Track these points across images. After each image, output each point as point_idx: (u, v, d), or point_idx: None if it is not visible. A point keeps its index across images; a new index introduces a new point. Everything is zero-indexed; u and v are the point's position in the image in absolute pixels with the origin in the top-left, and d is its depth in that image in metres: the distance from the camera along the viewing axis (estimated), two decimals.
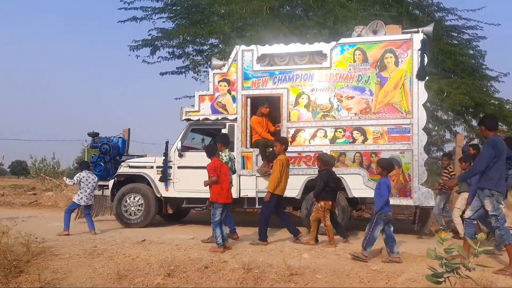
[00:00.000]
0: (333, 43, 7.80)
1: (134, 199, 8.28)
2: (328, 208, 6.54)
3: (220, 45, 14.24)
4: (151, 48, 13.44)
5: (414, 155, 7.29)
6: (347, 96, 7.66)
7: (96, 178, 7.85)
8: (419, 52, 7.40)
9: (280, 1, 12.13)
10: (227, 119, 8.09)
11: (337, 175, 7.13)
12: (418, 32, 7.61)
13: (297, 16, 13.23)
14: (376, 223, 5.51)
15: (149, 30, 13.97)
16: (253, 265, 5.20)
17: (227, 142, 6.99)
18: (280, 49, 8.01)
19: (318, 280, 4.89)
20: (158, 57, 13.80)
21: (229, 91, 8.12)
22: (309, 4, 12.10)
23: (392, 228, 5.68)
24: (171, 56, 14.30)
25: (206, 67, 14.55)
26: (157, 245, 6.41)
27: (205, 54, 14.59)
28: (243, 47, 8.18)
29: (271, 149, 7.56)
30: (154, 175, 8.30)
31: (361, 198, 7.89)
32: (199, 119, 8.23)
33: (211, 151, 6.57)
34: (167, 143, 8.17)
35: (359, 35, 7.99)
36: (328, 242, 6.37)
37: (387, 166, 5.80)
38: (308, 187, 7.48)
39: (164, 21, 14.50)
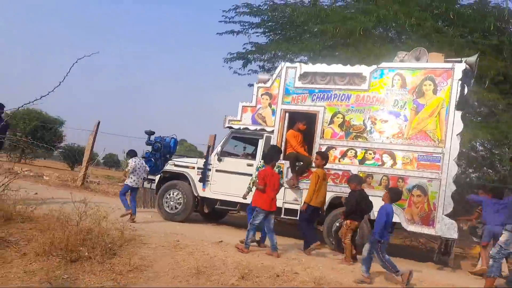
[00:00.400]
0: (374, 67, 8.02)
1: (175, 194, 8.97)
2: (353, 228, 6.61)
3: (309, 63, 14.93)
4: (243, 61, 14.06)
5: (442, 185, 7.24)
6: (381, 119, 7.80)
7: (145, 164, 8.73)
8: (459, 82, 7.39)
9: (375, 23, 11.95)
10: (265, 130, 8.53)
11: None
12: (461, 61, 7.64)
13: (389, 39, 13.14)
14: (381, 253, 5.54)
15: (244, 44, 14.63)
16: (323, 281, 5.23)
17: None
18: (322, 68, 8.34)
19: None
20: (249, 70, 14.47)
21: (270, 104, 8.55)
22: (404, 27, 11.84)
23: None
24: (261, 69, 14.81)
25: None
26: (232, 247, 6.58)
27: None
28: (287, 64, 8.65)
29: (301, 163, 8.00)
30: (194, 175, 8.95)
31: None
32: (240, 128, 8.76)
33: (267, 159, 6.88)
34: (209, 147, 9.08)
35: (401, 61, 8.09)
36: (343, 259, 6.44)
37: (393, 195, 5.92)
38: (332, 204, 7.62)
39: (258, 36, 15.04)
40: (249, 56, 14.27)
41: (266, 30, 14.76)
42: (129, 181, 8.41)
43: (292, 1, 14.20)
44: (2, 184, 6.64)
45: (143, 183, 8.92)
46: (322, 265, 6.07)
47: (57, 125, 23.34)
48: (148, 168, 8.74)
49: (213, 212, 9.66)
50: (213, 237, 7.20)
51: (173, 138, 10.20)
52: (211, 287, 5.13)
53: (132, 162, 8.45)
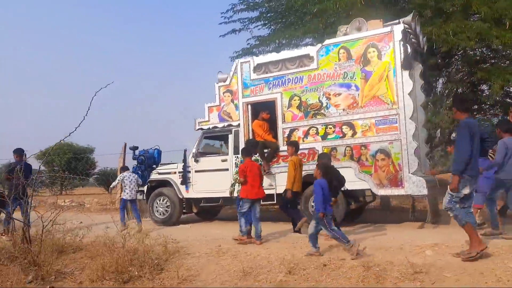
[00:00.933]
0: (319, 45, 8.40)
1: (163, 201, 9.71)
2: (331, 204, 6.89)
3: (315, 44, 15.16)
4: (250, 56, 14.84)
5: (403, 145, 7.48)
6: (335, 93, 8.13)
7: (137, 176, 9.22)
8: (401, 42, 7.62)
9: None
10: (232, 125, 9.06)
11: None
12: (398, 23, 7.87)
13: (393, 1, 12.78)
14: (328, 226, 5.71)
15: (248, 39, 15.14)
16: (373, 263, 5.18)
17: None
18: (273, 57, 8.79)
19: (447, 278, 4.66)
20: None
21: (232, 100, 9.08)
22: None
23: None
24: None
25: None
26: (274, 243, 6.77)
27: None
28: (241, 59, 9.32)
29: (269, 149, 8.48)
30: (177, 179, 9.59)
31: (354, 190, 8.00)
32: (209, 127, 9.34)
33: (244, 152, 7.30)
34: (185, 151, 9.41)
35: (345, 34, 8.36)
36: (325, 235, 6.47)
37: (323, 170, 6.07)
38: (304, 182, 7.60)
39: (260, 29, 15.26)
40: (254, 50, 14.43)
41: (266, 22, 14.95)
42: (123, 195, 9.04)
43: None
44: (50, 220, 6.84)
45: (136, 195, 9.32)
46: (367, 246, 5.96)
47: (88, 153, 24.35)
48: (140, 181, 9.16)
49: (204, 211, 10.15)
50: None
51: (156, 149, 10.83)
52: (261, 287, 5.24)
53: (119, 177, 9.08)
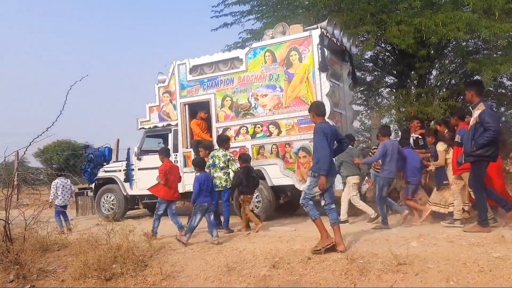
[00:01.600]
0: (247, 49, 10.01)
1: (109, 197, 11.49)
2: (247, 200, 8.64)
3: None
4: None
5: None
6: (262, 94, 9.70)
7: (69, 181, 10.61)
8: (319, 46, 9.15)
9: None
10: (171, 124, 10.74)
11: (258, 167, 9.52)
12: (316, 28, 9.40)
13: None
14: (194, 214, 7.59)
15: (239, 33, 16.81)
16: (357, 255, 5.73)
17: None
18: (207, 59, 10.35)
19: (430, 269, 5.23)
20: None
21: (170, 101, 10.63)
22: None
23: (212, 216, 7.75)
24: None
25: None
26: (261, 237, 7.45)
27: None
28: (178, 61, 10.69)
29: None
30: (121, 177, 11.25)
31: (281, 185, 9.60)
32: (150, 127, 11.08)
33: (163, 153, 8.85)
34: (128, 149, 11.04)
35: (271, 38, 9.95)
36: (256, 227, 8.34)
37: (197, 164, 8.21)
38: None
39: (254, 24, 16.91)
40: (246, 44, 15.54)
41: (258, 15, 16.46)
42: (56, 201, 10.28)
43: None
44: (33, 218, 7.90)
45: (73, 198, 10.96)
46: (353, 239, 6.74)
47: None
48: (72, 188, 10.65)
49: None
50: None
51: (106, 147, 12.58)
52: (242, 284, 5.86)
53: (53, 184, 10.42)
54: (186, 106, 10.78)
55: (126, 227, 7.33)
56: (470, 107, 7.03)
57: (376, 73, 17.38)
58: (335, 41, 9.98)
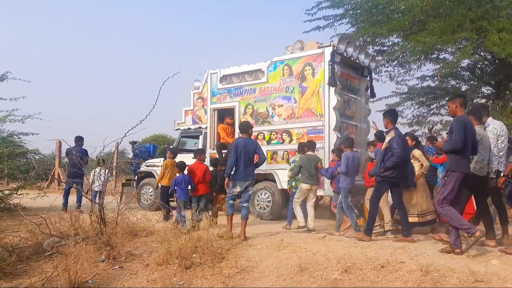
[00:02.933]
0: (269, 62, 10.88)
1: (148, 189, 12.88)
2: (220, 199, 10.05)
3: (401, 43, 16.12)
4: None
5: (326, 152, 9.73)
6: (279, 104, 10.65)
7: (106, 171, 11.07)
8: (329, 63, 9.89)
9: None
10: (202, 127, 12.17)
11: (271, 171, 10.65)
12: (329, 45, 10.18)
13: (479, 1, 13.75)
14: (179, 207, 9.38)
15: (331, 37, 16.92)
16: (432, 268, 5.60)
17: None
18: (235, 70, 11.52)
19: None
20: None
21: (203, 106, 12.05)
22: None
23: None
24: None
25: (388, 67, 17.88)
26: (336, 242, 7.52)
27: (386, 53, 17.09)
28: (211, 71, 11.91)
29: (226, 150, 10.71)
30: (158, 172, 12.07)
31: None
32: (185, 128, 12.62)
33: (195, 153, 10.31)
34: (166, 147, 13.26)
35: (291, 53, 10.86)
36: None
37: (179, 166, 9.79)
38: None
39: (345, 28, 17.22)
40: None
41: (352, 19, 16.68)
42: (94, 187, 11.57)
43: None
44: (125, 204, 8.87)
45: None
46: (431, 252, 6.56)
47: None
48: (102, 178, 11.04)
49: None
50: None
51: (152, 144, 13.89)
52: (313, 284, 5.89)
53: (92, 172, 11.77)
54: (215, 112, 12.06)
55: (207, 220, 8.38)
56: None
57: (472, 82, 17.29)
58: (351, 58, 10.76)
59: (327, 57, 10.16)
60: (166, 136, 30.76)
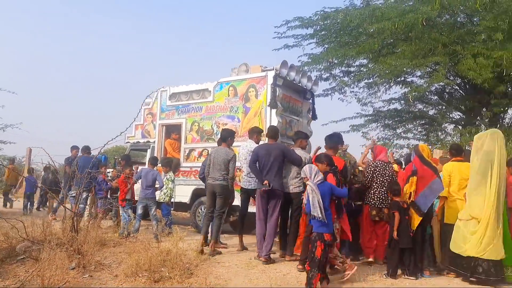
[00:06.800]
0: (215, 82, 11.54)
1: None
2: None
3: (369, 65, 16.90)
4: None
5: None
6: (223, 123, 11.15)
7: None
8: (271, 86, 10.42)
9: (438, 10, 13.36)
10: (150, 142, 12.77)
11: None
12: (272, 69, 10.66)
13: (458, 24, 14.58)
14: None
15: (299, 56, 17.90)
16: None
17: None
18: (185, 88, 12.24)
19: None
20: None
21: (152, 121, 12.58)
22: (474, 9, 13.13)
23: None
24: (318, 79, 17.26)
25: (353, 88, 18.44)
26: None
27: (353, 74, 17.89)
28: (162, 88, 12.58)
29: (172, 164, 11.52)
30: None
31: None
32: (134, 142, 13.23)
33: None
34: (115, 159, 14.01)
35: (237, 74, 11.52)
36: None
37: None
38: (195, 194, 11.40)
39: (312, 48, 18.08)
40: (305, 67, 16.79)
41: (320, 40, 17.40)
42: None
43: (343, 6, 16.75)
44: (97, 214, 9.16)
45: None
46: None
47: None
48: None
49: None
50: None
51: (103, 155, 13.64)
52: None
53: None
54: (164, 127, 12.79)
55: (176, 233, 8.19)
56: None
57: (440, 107, 17.81)
58: (293, 81, 11.45)
59: (270, 80, 10.75)
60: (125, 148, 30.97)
